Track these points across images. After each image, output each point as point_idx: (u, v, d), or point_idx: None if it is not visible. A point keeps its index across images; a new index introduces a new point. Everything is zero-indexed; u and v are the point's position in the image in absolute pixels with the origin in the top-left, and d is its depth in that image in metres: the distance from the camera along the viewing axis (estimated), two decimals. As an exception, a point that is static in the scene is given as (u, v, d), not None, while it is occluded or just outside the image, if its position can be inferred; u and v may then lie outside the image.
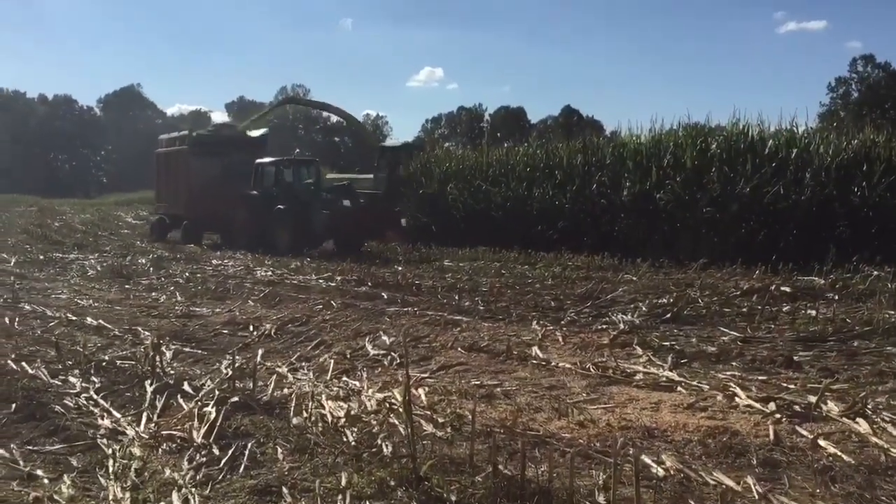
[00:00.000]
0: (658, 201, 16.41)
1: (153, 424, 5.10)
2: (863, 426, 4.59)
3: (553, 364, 6.55)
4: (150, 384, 5.95)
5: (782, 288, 11.08)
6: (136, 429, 4.99)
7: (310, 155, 30.81)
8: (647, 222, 16.55)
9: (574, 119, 70.82)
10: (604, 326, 8.46)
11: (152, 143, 28.83)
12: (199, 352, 7.62)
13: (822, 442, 4.41)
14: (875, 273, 12.28)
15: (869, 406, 4.89)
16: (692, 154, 16.30)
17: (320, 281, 12.76)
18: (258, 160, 22.22)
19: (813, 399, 5.13)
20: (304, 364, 6.96)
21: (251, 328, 8.75)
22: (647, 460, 4.24)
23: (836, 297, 10.53)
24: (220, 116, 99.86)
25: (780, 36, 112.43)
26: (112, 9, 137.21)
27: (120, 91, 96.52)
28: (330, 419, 5.08)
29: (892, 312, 8.48)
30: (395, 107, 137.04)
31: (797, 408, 5.00)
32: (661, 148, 16.94)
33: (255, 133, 26.71)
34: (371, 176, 25.32)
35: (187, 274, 14.00)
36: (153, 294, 11.75)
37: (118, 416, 5.30)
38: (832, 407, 4.96)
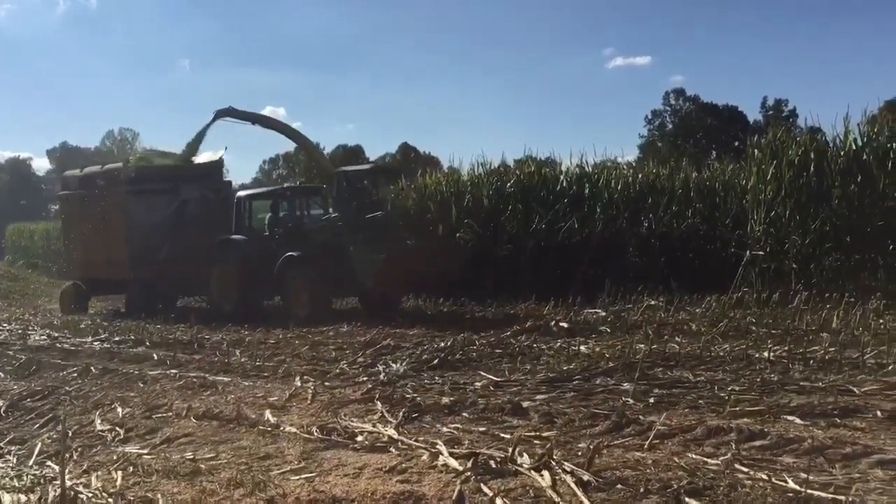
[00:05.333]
0: (460, 241, 16.59)
1: None
2: (545, 479, 4.56)
3: (281, 429, 6.28)
4: None
5: (561, 324, 11.34)
6: None
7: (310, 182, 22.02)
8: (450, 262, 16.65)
9: (412, 155, 71.47)
10: (364, 379, 8.29)
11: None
12: None
13: (499, 501, 4.33)
14: (652, 303, 12.82)
15: (556, 456, 4.88)
16: (489, 193, 16.63)
17: (95, 343, 12.01)
18: (241, 192, 17.17)
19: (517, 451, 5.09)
20: (13, 448, 6.39)
21: (-18, 407, 8.02)
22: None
23: (609, 331, 10.87)
24: (42, 163, 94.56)
25: (608, 71, 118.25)
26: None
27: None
28: (-7, 518, 4.61)
29: (642, 346, 8.73)
30: (236, 148, 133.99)
31: (493, 463, 4.93)
32: (460, 188, 17.19)
33: (203, 158, 19.83)
34: (319, 211, 17.28)
35: (-53, 345, 12.86)
36: None
37: None
38: (526, 459, 4.93)
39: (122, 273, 17.77)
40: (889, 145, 12.22)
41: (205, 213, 17.37)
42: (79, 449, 6.25)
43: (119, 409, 7.36)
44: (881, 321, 9.92)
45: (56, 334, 13.45)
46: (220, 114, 19.34)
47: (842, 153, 12.65)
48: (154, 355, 10.62)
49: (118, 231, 17.78)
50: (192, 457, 5.70)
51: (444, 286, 15.87)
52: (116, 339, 12.43)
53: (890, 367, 7.23)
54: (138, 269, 17.45)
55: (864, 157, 12.42)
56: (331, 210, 16.32)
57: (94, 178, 19.08)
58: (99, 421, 7.01)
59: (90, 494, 4.91)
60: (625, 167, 18.74)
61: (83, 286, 19.33)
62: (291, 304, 14.91)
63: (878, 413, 5.76)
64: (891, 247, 11.87)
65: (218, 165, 19.58)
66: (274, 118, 21.49)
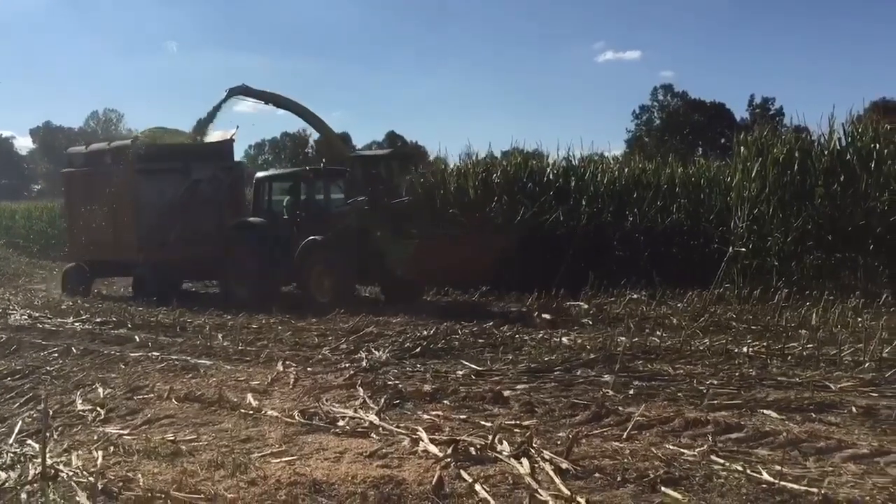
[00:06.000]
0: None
1: None
2: (525, 466, 4.62)
3: (262, 412, 6.30)
4: None
5: (543, 315, 11.41)
6: None
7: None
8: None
9: (399, 144, 71.35)
10: (346, 365, 8.31)
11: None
12: None
13: (478, 487, 4.38)
14: (635, 297, 12.93)
15: (536, 444, 4.93)
16: (475, 184, 16.65)
17: (76, 324, 11.97)
18: (260, 174, 16.55)
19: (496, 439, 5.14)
20: (-7, 426, 6.40)
21: (-39, 385, 8.01)
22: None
23: (591, 323, 10.93)
24: (25, 142, 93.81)
25: (598, 65, 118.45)
26: None
27: None
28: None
29: (623, 339, 8.79)
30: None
31: (473, 450, 4.98)
32: (446, 178, 17.19)
33: (214, 137, 18.74)
34: (340, 196, 16.12)
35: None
36: None
37: None
38: (505, 447, 4.98)
39: (130, 255, 16.94)
40: (872, 146, 12.33)
41: (216, 194, 16.81)
42: (59, 428, 6.26)
43: (100, 390, 7.36)
44: (859, 319, 10.02)
45: (37, 314, 13.36)
46: (233, 92, 18.57)
47: (826, 153, 12.76)
48: (136, 337, 10.60)
49: (126, 211, 16.95)
50: (173, 438, 5.71)
51: (476, 277, 14.95)
52: (98, 320, 12.37)
53: (866, 365, 7.34)
54: (147, 252, 16.62)
55: (848, 157, 12.52)
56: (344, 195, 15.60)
57: (100, 155, 18.00)
58: (80, 401, 7.01)
59: (70, 473, 4.93)
60: (611, 161, 18.81)
61: (86, 268, 18.27)
62: (312, 291, 14.10)
63: (853, 409, 5.85)
64: (871, 246, 11.99)
65: (229, 144, 18.49)
66: (289, 98, 20.17)
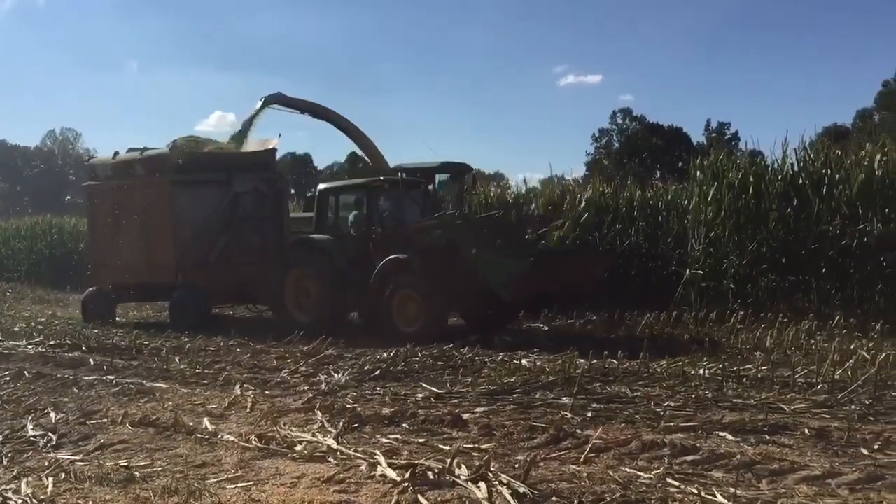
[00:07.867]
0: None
1: None
2: (482, 490, 4.62)
3: (219, 437, 6.22)
4: None
5: (504, 338, 11.45)
6: None
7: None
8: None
9: (360, 165, 71.31)
10: (305, 388, 8.25)
11: None
12: None
13: (435, 511, 4.38)
14: (593, 318, 13.05)
15: (494, 468, 4.93)
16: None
17: (29, 347, 11.73)
18: (323, 185, 15.21)
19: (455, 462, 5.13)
20: (-62, 454, 6.21)
21: None
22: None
23: (550, 345, 10.97)
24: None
25: (559, 88, 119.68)
26: None
27: None
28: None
29: (582, 361, 8.84)
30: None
31: (431, 474, 4.96)
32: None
33: (254, 146, 17.07)
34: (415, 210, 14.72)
35: None
36: None
37: None
38: (464, 471, 4.97)
39: (165, 277, 15.33)
40: (824, 171, 12.62)
41: (260, 208, 15.52)
42: (9, 454, 6.10)
43: (52, 415, 7.22)
44: (812, 341, 10.23)
45: (-10, 337, 13.08)
46: (269, 101, 17.49)
47: (779, 177, 13.03)
48: (90, 360, 10.42)
49: (161, 228, 15.24)
50: (126, 464, 5.62)
51: (580, 299, 13.84)
52: (52, 342, 12.14)
53: (819, 387, 7.47)
54: (186, 273, 15.06)
55: (801, 181, 12.81)
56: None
57: (130, 166, 16.20)
58: (31, 426, 6.86)
59: (20, 501, 4.84)
60: (571, 184, 19.01)
61: (110, 292, 16.55)
62: (394, 319, 12.50)
63: (806, 430, 5.94)
64: (823, 269, 12.23)
65: (272, 154, 16.81)
66: (327, 107, 18.59)
